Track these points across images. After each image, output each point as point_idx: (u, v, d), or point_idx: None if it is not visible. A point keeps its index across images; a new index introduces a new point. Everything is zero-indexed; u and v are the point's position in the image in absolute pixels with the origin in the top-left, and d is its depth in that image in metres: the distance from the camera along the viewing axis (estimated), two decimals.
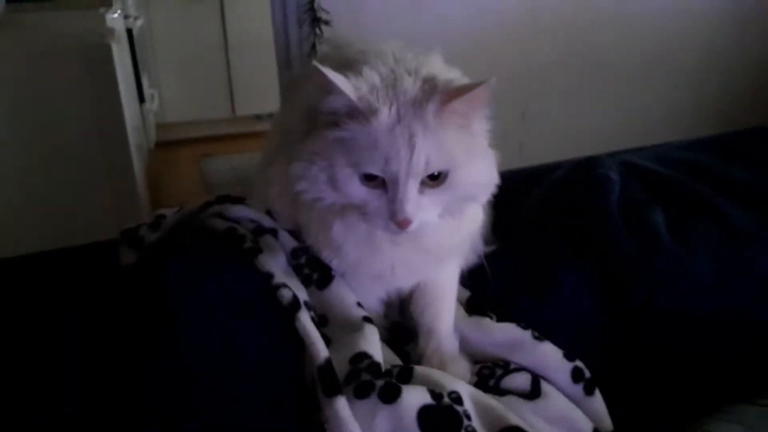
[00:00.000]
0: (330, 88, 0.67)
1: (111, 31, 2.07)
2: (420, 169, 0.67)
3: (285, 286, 0.75)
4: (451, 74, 0.74)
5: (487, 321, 0.88)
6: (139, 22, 2.89)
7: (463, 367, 0.84)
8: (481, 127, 0.74)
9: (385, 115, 0.67)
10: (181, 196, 2.72)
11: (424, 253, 0.79)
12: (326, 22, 1.75)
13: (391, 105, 0.68)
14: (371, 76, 0.70)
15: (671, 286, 0.99)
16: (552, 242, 1.03)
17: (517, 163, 1.33)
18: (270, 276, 0.77)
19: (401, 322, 0.90)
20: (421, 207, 0.69)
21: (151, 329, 0.72)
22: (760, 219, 1.09)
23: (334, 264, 0.82)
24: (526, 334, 0.86)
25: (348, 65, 0.72)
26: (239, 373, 0.69)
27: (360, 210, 0.71)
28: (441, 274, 0.88)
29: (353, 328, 0.77)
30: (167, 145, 3.32)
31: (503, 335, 0.86)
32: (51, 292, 0.84)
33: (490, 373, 0.82)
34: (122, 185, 2.07)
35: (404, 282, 0.86)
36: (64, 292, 0.83)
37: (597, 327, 0.95)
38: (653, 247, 1.02)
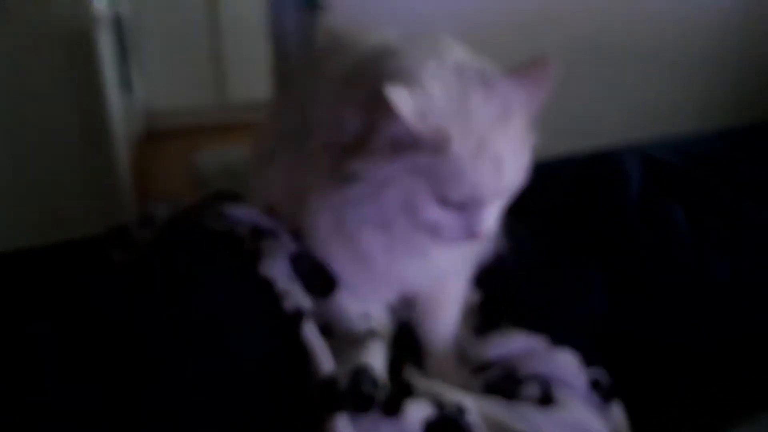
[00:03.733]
0: (393, 115, 0.60)
1: (96, 18, 2.03)
2: (505, 191, 0.67)
3: (288, 294, 0.73)
4: (485, 65, 0.70)
5: (496, 337, 0.86)
6: (126, 8, 2.84)
7: (464, 377, 0.83)
8: None
9: (460, 144, 0.62)
10: (171, 186, 2.67)
11: (452, 259, 0.78)
12: (323, 8, 1.69)
13: (467, 131, 0.62)
14: (436, 90, 0.63)
15: (690, 284, 0.98)
16: (569, 239, 1.02)
17: None
18: (272, 283, 0.74)
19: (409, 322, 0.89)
20: (492, 218, 0.69)
21: (147, 335, 0.70)
22: None
23: (346, 271, 0.78)
24: (540, 342, 0.84)
25: (380, 69, 0.66)
26: (236, 381, 0.67)
27: (429, 229, 0.68)
28: (447, 285, 0.86)
29: (356, 339, 0.75)
30: (157, 135, 3.27)
31: (515, 346, 0.85)
32: (33, 291, 0.81)
33: (498, 389, 0.80)
34: (107, 176, 2.03)
35: (420, 286, 0.83)
36: (46, 290, 0.81)
37: (612, 325, 0.94)
38: (672, 244, 1.01)
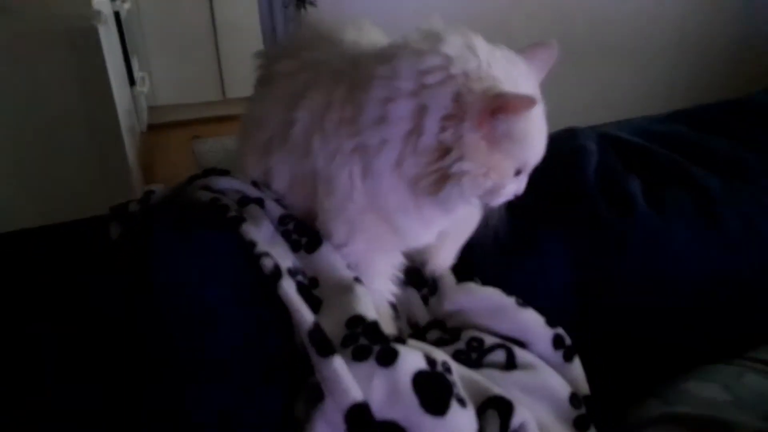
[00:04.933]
0: (515, 114, 0.68)
1: (98, 14, 2.05)
2: None
3: (267, 255, 0.74)
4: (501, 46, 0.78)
5: (471, 285, 0.89)
6: (126, 5, 2.87)
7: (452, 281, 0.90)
8: None
9: (536, 122, 0.71)
10: (174, 178, 2.67)
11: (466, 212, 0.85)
12: (312, 3, 1.74)
13: (536, 108, 0.70)
14: (506, 82, 0.70)
15: (647, 253, 1.00)
16: (531, 210, 0.99)
17: None
18: (252, 245, 0.75)
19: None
20: None
21: (134, 301, 0.71)
22: (734, 187, 1.10)
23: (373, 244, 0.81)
24: (510, 301, 0.87)
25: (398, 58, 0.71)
26: (222, 338, 0.69)
27: (495, 197, 0.75)
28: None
29: (344, 289, 0.77)
30: (159, 128, 3.32)
31: (487, 300, 0.88)
32: (33, 290, 0.81)
33: (465, 358, 0.82)
34: (114, 169, 2.06)
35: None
36: (46, 290, 0.81)
37: (571, 294, 0.95)
38: (629, 215, 1.02)
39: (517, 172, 0.73)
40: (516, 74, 0.71)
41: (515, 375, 0.80)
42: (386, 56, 0.73)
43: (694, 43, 2.35)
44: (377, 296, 0.82)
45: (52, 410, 0.65)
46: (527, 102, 0.66)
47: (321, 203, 0.79)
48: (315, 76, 0.80)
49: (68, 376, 0.68)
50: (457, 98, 0.68)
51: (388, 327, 0.84)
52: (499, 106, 0.66)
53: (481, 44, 0.72)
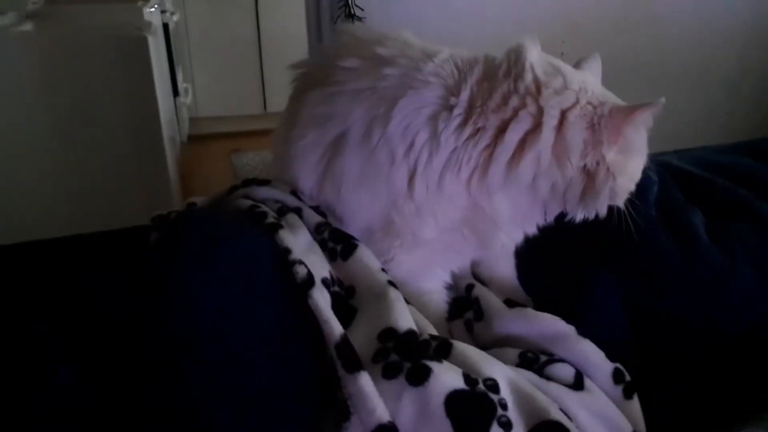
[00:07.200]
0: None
1: (148, 25, 2.08)
2: None
3: (300, 263, 0.72)
4: None
5: (530, 311, 0.85)
6: (175, 17, 2.93)
7: (521, 293, 0.93)
8: None
9: None
10: (213, 189, 2.70)
11: None
12: (360, 19, 1.74)
13: None
14: None
15: (710, 291, 0.96)
16: (589, 240, 0.99)
17: None
18: (288, 251, 0.74)
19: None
20: None
21: (147, 335, 0.68)
22: None
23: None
24: (570, 329, 0.82)
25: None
26: (253, 343, 0.67)
27: None
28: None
29: (378, 296, 0.75)
30: (199, 139, 3.35)
31: (547, 326, 0.83)
32: (34, 290, 0.81)
33: (534, 358, 0.78)
34: (155, 178, 2.08)
35: None
36: (46, 290, 0.81)
37: (625, 331, 0.93)
38: (692, 251, 0.99)
39: None
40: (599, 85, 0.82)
41: (583, 396, 0.75)
42: (525, 91, 0.78)
43: (755, 72, 2.29)
44: (435, 297, 0.86)
45: (52, 410, 0.64)
46: (648, 105, 0.75)
47: (416, 199, 0.81)
48: (409, 76, 0.81)
49: (68, 376, 0.67)
50: (591, 126, 0.77)
51: (440, 328, 0.83)
52: (628, 118, 0.76)
53: (573, 70, 0.82)
